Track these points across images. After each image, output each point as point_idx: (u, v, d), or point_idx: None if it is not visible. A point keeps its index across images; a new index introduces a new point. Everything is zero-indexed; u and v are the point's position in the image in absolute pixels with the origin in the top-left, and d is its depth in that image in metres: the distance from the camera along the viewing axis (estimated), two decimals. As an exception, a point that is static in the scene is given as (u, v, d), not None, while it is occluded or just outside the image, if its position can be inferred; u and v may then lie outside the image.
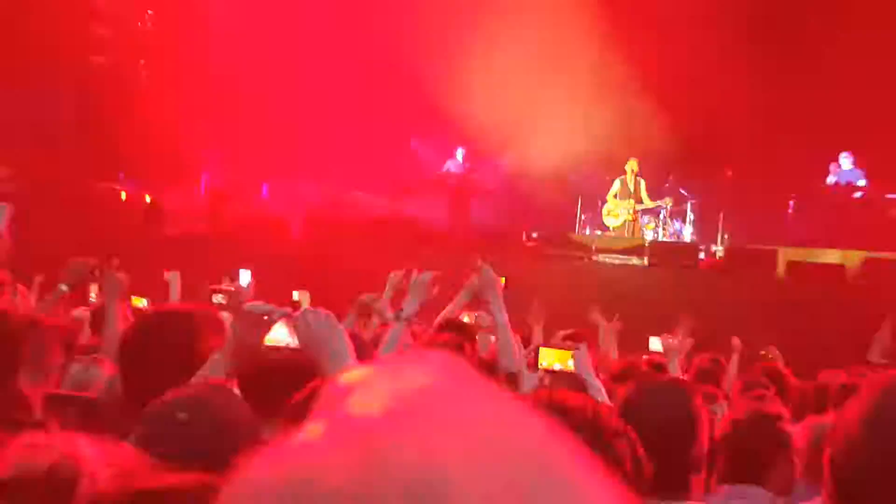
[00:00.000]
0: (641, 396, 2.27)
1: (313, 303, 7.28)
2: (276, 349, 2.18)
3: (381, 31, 13.87)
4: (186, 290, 5.87)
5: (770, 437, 2.94)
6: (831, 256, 11.48)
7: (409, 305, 3.91)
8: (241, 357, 2.19)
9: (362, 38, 14.07)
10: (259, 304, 2.25)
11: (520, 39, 14.42)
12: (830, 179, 12.72)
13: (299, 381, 2.06)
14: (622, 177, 13.00)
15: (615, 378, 4.37)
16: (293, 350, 2.16)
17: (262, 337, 2.18)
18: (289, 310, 2.24)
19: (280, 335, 2.17)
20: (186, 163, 13.86)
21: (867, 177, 12.55)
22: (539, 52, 14.14)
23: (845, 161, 12.66)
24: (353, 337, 2.96)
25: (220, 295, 5.15)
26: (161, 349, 2.52)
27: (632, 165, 12.95)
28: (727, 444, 2.97)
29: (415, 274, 4.19)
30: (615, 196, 12.97)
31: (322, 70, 14.22)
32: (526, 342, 4.85)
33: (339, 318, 5.24)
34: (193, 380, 2.18)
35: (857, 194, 12.50)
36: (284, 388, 2.32)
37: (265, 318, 2.18)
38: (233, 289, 4.97)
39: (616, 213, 12.90)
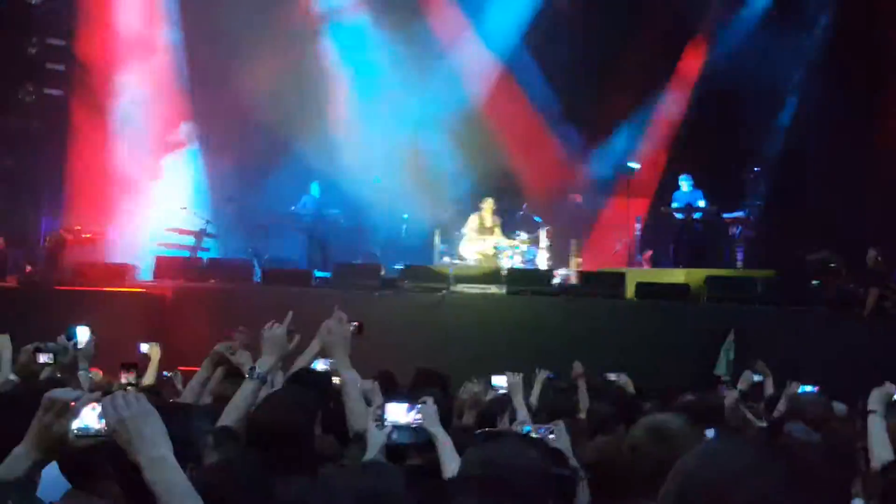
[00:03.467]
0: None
1: (164, 356, 6.96)
2: (85, 437, 2.03)
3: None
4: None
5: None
6: (676, 276, 11.98)
7: (264, 362, 3.73)
8: (47, 449, 2.03)
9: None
10: (63, 391, 2.10)
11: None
12: (675, 203, 13.29)
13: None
14: (479, 212, 13.15)
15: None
16: (104, 437, 2.01)
17: (69, 425, 2.02)
18: (97, 394, 2.09)
19: (88, 422, 2.03)
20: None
21: (706, 197, 13.19)
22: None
23: (685, 183, 13.27)
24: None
25: (46, 355, 4.57)
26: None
27: (489, 204, 13.14)
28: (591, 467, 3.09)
29: (267, 326, 4.00)
30: (471, 230, 13.12)
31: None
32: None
33: (192, 372, 4.99)
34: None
35: (697, 215, 13.12)
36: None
37: (72, 404, 2.03)
38: (62, 347, 4.57)
39: (475, 248, 13.03)
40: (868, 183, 12.93)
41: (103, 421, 1.99)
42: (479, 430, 3.84)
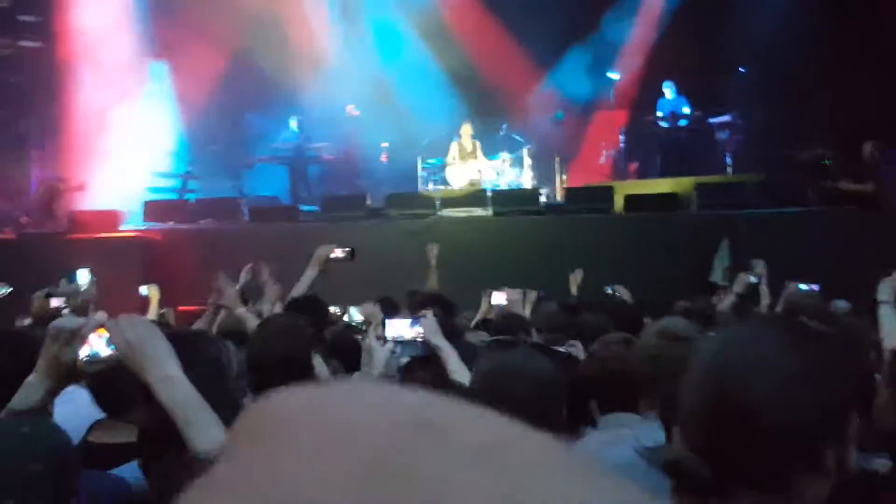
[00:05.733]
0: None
1: (164, 297, 6.98)
2: (95, 363, 2.05)
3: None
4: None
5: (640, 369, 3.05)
6: (664, 186, 11.94)
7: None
8: (58, 377, 2.04)
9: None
10: (67, 318, 2.11)
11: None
12: (659, 111, 13.13)
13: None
14: (457, 140, 13.05)
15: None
16: (113, 361, 2.03)
17: (78, 352, 2.03)
18: (103, 319, 2.10)
19: (97, 348, 2.04)
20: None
21: (691, 103, 13.04)
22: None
23: (668, 90, 13.11)
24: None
25: (59, 299, 4.90)
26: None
27: (466, 129, 13.04)
28: (597, 379, 3.06)
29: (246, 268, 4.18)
30: (454, 158, 13.04)
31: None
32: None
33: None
34: (8, 408, 2.02)
35: (682, 122, 13.01)
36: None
37: (79, 332, 2.03)
38: (70, 290, 4.69)
39: (460, 174, 12.94)
40: (861, 73, 12.32)
41: (112, 347, 2.00)
42: (491, 339, 3.87)
